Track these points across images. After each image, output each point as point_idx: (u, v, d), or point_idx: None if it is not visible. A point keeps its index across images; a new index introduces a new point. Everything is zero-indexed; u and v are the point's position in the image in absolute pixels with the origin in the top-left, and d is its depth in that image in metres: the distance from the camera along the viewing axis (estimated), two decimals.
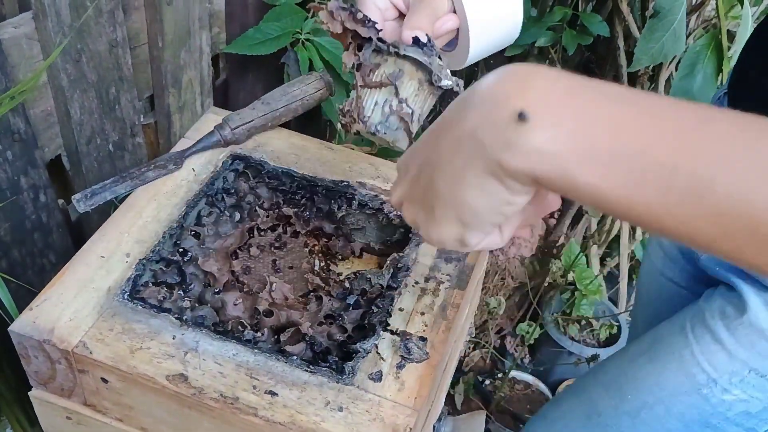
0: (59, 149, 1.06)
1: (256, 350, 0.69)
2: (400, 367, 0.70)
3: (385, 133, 0.65)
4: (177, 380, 0.67)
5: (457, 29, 0.68)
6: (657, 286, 0.99)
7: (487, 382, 1.93)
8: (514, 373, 1.93)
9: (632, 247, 1.94)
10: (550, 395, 1.94)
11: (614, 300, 2.01)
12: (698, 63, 1.30)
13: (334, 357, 0.71)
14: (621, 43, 1.59)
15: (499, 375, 1.95)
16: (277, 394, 0.67)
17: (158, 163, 0.86)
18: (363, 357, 0.70)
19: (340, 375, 0.68)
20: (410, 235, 0.83)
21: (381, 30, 0.64)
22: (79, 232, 1.13)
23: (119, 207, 0.82)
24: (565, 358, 1.93)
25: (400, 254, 0.80)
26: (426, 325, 0.74)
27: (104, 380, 0.70)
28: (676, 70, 1.65)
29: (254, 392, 0.67)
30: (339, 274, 0.84)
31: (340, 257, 0.87)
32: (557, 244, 1.99)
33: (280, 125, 0.94)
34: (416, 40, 0.63)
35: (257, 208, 0.86)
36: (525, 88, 0.40)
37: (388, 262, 0.78)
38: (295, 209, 0.86)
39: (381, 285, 0.77)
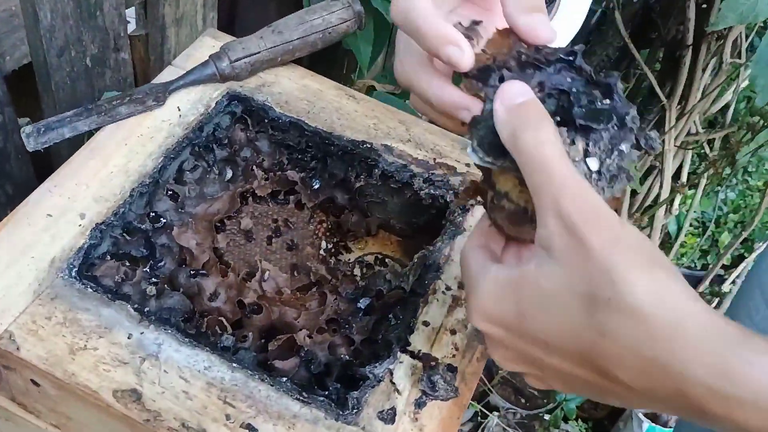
0: (24, 59, 0.87)
1: (234, 364, 0.53)
2: (419, 404, 0.54)
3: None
4: (127, 398, 0.51)
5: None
6: None
7: None
8: None
9: (666, 221, 1.77)
10: None
11: None
12: None
13: (335, 381, 0.55)
14: None
15: None
16: (257, 430, 0.51)
17: (134, 96, 0.67)
18: (372, 386, 0.54)
19: (340, 409, 0.52)
20: (444, 221, 0.65)
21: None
22: (43, 161, 0.95)
23: (79, 150, 0.64)
24: None
25: (430, 248, 0.62)
26: (457, 349, 0.57)
27: (35, 383, 0.54)
28: (747, 31, 1.44)
29: (228, 424, 0.51)
30: (350, 265, 0.67)
31: (352, 236, 0.70)
32: None
33: (293, 61, 0.75)
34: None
35: (254, 166, 0.68)
36: None
37: (415, 260, 0.61)
38: (302, 173, 0.68)
39: (403, 288, 0.60)
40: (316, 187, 0.68)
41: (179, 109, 0.68)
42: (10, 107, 0.85)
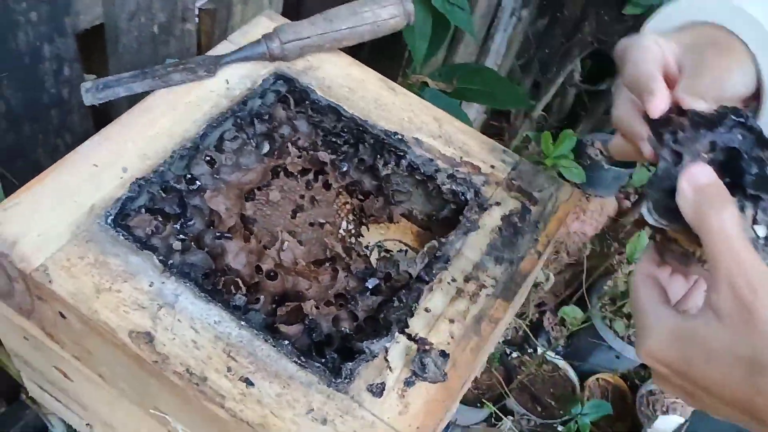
0: (97, 20, 0.93)
1: (242, 323, 0.57)
2: (408, 383, 0.57)
3: None
4: (141, 339, 0.55)
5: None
6: None
7: (515, 355, 1.81)
8: (544, 352, 1.80)
9: None
10: (577, 384, 1.81)
11: None
12: None
13: (333, 352, 0.58)
14: None
15: (529, 351, 1.83)
16: (253, 385, 0.55)
17: (188, 65, 0.72)
18: (367, 360, 0.57)
19: (334, 377, 0.56)
20: (461, 217, 0.68)
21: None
22: (103, 116, 1.01)
23: (131, 109, 0.69)
24: (603, 351, 1.79)
25: (442, 240, 0.65)
26: (452, 337, 0.60)
27: (62, 315, 0.59)
28: None
29: (228, 376, 0.55)
30: (366, 248, 0.70)
31: (373, 220, 0.73)
32: (625, 229, 1.82)
33: (346, 51, 0.79)
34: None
35: (290, 144, 0.72)
36: None
37: (425, 249, 0.64)
38: (334, 156, 0.72)
39: (409, 274, 0.63)
40: (344, 169, 0.71)
41: (227, 82, 0.73)
42: (79, 63, 0.91)
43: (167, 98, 0.70)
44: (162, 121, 0.68)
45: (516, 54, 1.98)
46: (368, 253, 0.72)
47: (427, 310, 0.61)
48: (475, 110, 1.93)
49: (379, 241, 0.75)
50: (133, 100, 0.73)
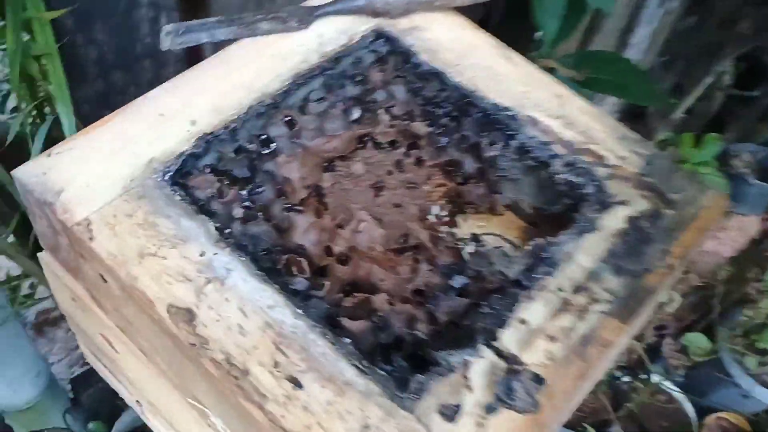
0: None
1: (299, 311, 0.48)
2: (489, 409, 0.46)
3: None
4: (180, 317, 0.47)
5: None
6: None
7: (626, 379, 1.64)
8: (660, 380, 1.63)
9: None
10: (694, 420, 1.62)
11: None
12: None
13: (401, 358, 0.48)
14: None
15: (643, 377, 1.65)
16: (302, 387, 0.46)
17: (278, 15, 0.64)
18: (442, 374, 0.47)
19: (399, 389, 0.46)
20: (576, 214, 0.56)
21: None
22: None
23: (209, 58, 0.62)
24: (728, 387, 1.59)
25: (550, 239, 0.54)
26: (551, 359, 0.49)
27: (103, 278, 0.52)
28: None
29: (273, 371, 0.46)
30: (459, 241, 0.60)
31: (472, 209, 0.63)
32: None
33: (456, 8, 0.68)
34: None
35: (383, 111, 0.62)
36: None
37: (530, 247, 0.53)
38: (431, 129, 0.62)
39: (506, 276, 0.52)
40: (442, 145, 0.61)
41: (320, 37, 0.64)
42: (177, 13, 0.86)
43: (251, 48, 0.62)
44: (241, 73, 0.61)
45: (659, 51, 1.80)
46: (460, 246, 0.61)
47: (522, 321, 0.50)
48: (608, 108, 1.77)
49: (476, 234, 0.64)
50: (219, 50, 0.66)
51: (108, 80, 0.83)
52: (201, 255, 0.50)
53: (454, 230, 0.63)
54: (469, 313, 0.52)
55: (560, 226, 0.58)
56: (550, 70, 1.15)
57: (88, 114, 0.85)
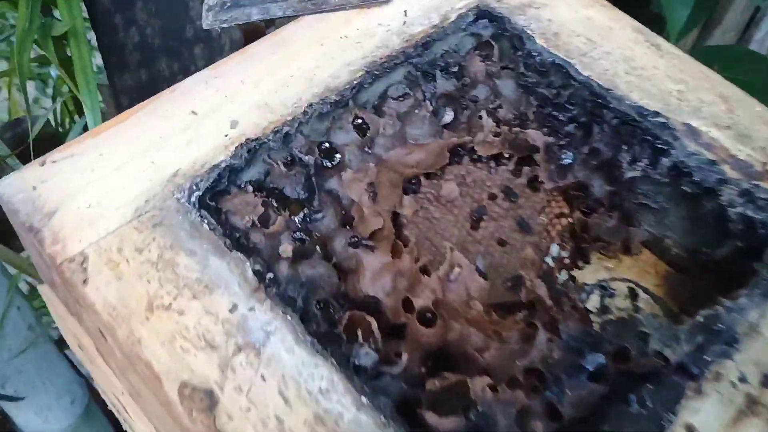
0: None
1: (364, 399, 0.33)
2: None
3: None
4: (196, 402, 0.33)
5: None
6: None
7: None
8: None
9: None
10: None
11: None
12: None
13: None
14: None
15: None
16: None
17: None
18: None
19: None
20: (757, 265, 0.40)
21: None
22: None
23: (260, 40, 0.48)
24: None
25: (727, 302, 0.37)
26: None
27: (102, 335, 0.39)
28: None
29: None
30: (584, 289, 0.44)
31: (600, 246, 0.47)
32: None
33: None
34: None
35: (486, 113, 0.47)
36: None
37: (700, 318, 0.37)
38: (551, 138, 0.46)
39: (662, 356, 0.36)
40: (565, 162, 0.45)
41: (406, 14, 0.49)
42: None
43: (314, 29, 0.48)
44: (301, 59, 0.46)
45: None
46: (584, 297, 0.46)
47: (689, 429, 0.34)
48: None
49: (603, 280, 0.48)
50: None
51: (152, 69, 0.71)
52: (232, 310, 0.36)
53: (575, 272, 0.47)
54: (607, 408, 0.36)
55: (725, 278, 0.42)
56: None
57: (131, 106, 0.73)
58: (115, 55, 0.67)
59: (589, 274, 0.49)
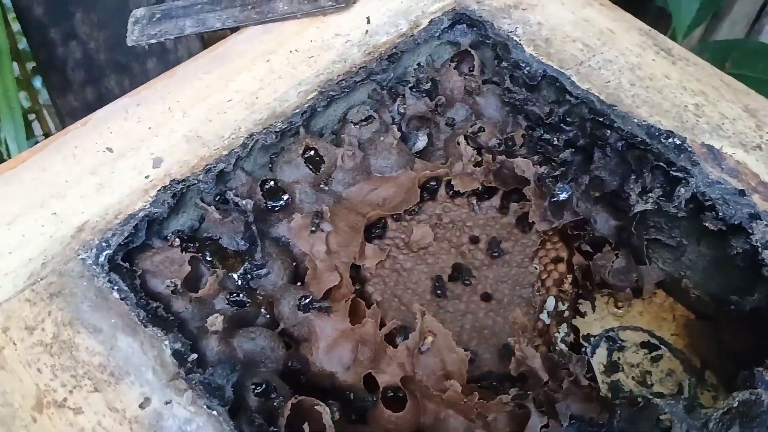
0: None
1: None
2: None
3: None
4: None
5: None
6: None
7: None
8: None
9: None
10: None
11: None
12: None
13: None
14: None
15: None
16: None
17: None
18: None
19: None
20: None
21: None
22: None
23: (194, 57, 0.40)
24: None
25: (765, 373, 0.30)
26: None
27: None
28: None
29: None
30: (588, 341, 0.36)
31: (607, 293, 0.39)
32: None
33: None
34: None
35: (465, 138, 0.39)
36: None
37: (734, 402, 0.29)
38: (544, 167, 0.38)
39: None
40: (561, 197, 0.37)
41: (368, 22, 0.42)
42: None
43: (259, 42, 0.41)
44: (241, 79, 0.39)
45: None
46: (589, 352, 0.38)
47: None
48: None
49: (611, 330, 0.41)
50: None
51: (99, 87, 0.63)
52: (143, 405, 0.29)
53: (577, 321, 0.39)
54: None
55: (762, 332, 0.34)
56: None
57: None
58: (54, 74, 0.60)
59: (594, 323, 0.41)
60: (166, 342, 0.30)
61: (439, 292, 0.35)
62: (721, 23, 1.31)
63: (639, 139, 0.37)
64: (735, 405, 0.28)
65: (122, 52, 0.62)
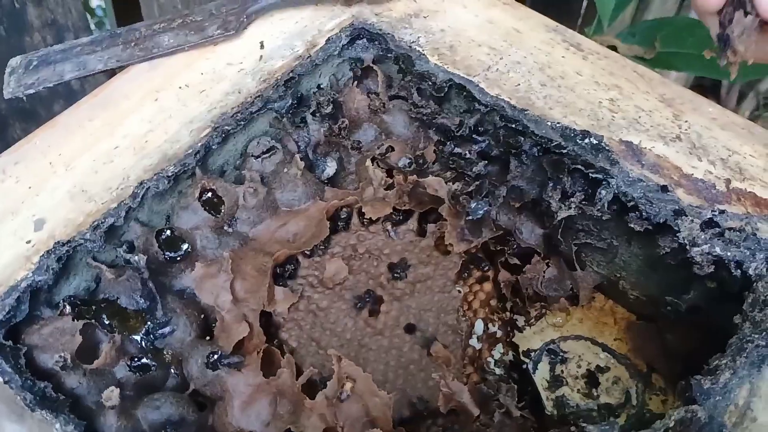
0: None
1: None
2: None
3: None
4: None
5: None
6: None
7: None
8: None
9: None
10: None
11: None
12: None
13: None
14: None
15: None
16: None
17: (190, 19, 0.39)
18: None
19: None
20: (739, 318, 0.30)
21: None
22: None
23: (80, 101, 0.38)
24: None
25: (703, 381, 0.28)
26: None
27: None
28: None
29: None
30: (528, 356, 0.35)
31: (541, 306, 0.37)
32: None
33: None
34: None
35: (375, 161, 0.37)
36: None
37: (672, 418, 0.27)
38: (458, 184, 0.36)
39: None
40: (478, 213, 0.35)
41: (262, 47, 0.39)
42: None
43: (146, 80, 0.38)
44: (129, 123, 0.36)
45: None
46: (531, 368, 0.36)
47: None
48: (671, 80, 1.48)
49: (552, 342, 0.39)
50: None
51: (4, 137, 0.60)
52: None
53: (516, 338, 0.37)
54: None
55: (701, 330, 0.32)
56: (611, 50, 0.89)
57: None
58: None
59: (534, 337, 0.39)
60: (57, 426, 0.27)
61: (359, 329, 0.33)
62: (651, 3, 1.31)
63: (554, 143, 0.35)
64: (671, 425, 0.27)
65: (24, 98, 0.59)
